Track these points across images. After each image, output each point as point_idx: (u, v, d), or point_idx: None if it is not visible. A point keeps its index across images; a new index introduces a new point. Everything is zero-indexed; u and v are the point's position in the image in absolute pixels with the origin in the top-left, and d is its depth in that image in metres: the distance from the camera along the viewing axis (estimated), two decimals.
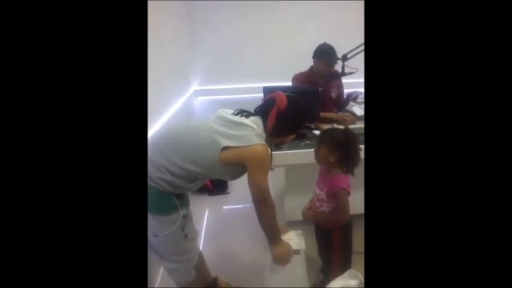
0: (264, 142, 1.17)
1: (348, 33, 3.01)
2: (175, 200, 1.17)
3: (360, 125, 1.86)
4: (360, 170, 1.51)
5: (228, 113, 1.26)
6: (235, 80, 3.28)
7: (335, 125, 1.81)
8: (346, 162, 1.32)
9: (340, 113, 2.29)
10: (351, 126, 1.78)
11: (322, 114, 2.08)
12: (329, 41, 2.13)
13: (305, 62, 2.19)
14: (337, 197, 1.34)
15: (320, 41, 2.13)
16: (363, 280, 0.90)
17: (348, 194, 1.33)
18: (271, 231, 1.25)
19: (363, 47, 1.92)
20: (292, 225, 1.66)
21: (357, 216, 1.47)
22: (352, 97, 2.33)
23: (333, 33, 2.83)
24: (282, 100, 1.20)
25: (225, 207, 2.54)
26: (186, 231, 1.23)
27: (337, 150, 1.31)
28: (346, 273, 0.95)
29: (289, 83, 2.27)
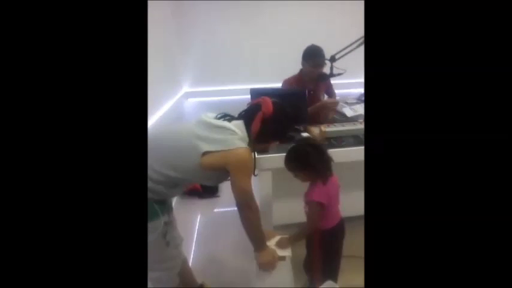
0: (246, 146, 1.15)
1: (339, 33, 3.01)
2: (156, 207, 1.14)
3: (350, 126, 1.84)
4: (348, 174, 1.49)
5: (210, 117, 1.23)
6: (226, 81, 3.25)
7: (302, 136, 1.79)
8: (312, 175, 1.31)
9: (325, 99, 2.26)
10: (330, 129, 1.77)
11: (309, 109, 2.04)
12: (320, 42, 2.10)
13: (296, 63, 2.17)
14: (308, 208, 1.35)
15: (310, 42, 2.11)
16: None
17: (318, 204, 1.29)
18: (256, 236, 1.23)
19: (351, 48, 1.90)
20: (280, 229, 1.64)
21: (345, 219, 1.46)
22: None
23: (324, 34, 2.83)
24: (268, 106, 1.17)
25: (215, 210, 2.52)
26: (168, 239, 1.20)
27: (301, 170, 1.31)
28: (324, 284, 0.93)
29: (280, 84, 2.25)
